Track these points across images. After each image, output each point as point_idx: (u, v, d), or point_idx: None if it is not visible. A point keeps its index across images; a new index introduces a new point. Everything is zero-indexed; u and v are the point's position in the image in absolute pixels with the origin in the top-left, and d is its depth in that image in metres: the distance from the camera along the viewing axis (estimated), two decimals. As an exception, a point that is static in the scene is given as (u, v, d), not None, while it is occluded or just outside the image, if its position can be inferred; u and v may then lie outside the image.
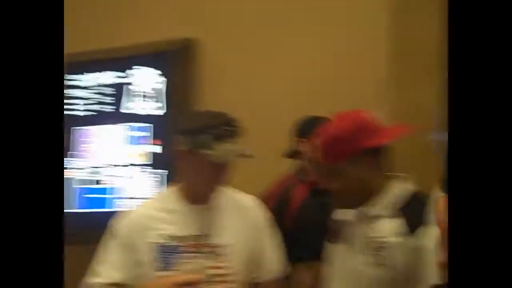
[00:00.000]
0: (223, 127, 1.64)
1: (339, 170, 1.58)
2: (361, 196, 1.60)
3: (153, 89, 3.00)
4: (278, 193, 2.25)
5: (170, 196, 1.75)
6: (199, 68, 2.94)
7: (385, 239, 1.54)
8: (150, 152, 2.96)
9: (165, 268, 1.65)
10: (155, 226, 1.69)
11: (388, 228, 1.54)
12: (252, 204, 1.80)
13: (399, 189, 1.60)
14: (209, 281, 1.64)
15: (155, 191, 2.84)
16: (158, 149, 2.94)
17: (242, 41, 2.83)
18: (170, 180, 2.75)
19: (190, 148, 1.64)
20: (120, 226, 1.72)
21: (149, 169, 2.94)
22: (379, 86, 2.48)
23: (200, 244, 1.68)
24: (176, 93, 2.95)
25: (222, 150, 1.62)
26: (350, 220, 1.63)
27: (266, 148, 2.22)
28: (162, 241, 1.67)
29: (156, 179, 2.93)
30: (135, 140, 2.99)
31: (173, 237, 1.67)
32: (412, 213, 1.53)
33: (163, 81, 2.98)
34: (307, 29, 2.72)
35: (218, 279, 1.66)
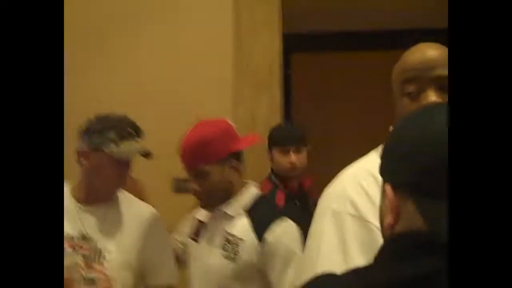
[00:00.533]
0: (126, 127, 1.68)
1: (205, 172, 1.68)
2: (223, 196, 1.72)
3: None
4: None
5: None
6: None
7: (237, 235, 1.68)
8: None
9: None
10: None
11: (241, 226, 1.69)
12: (147, 212, 1.80)
13: (249, 192, 1.75)
14: (84, 282, 1.65)
15: None
16: None
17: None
18: None
19: (93, 147, 1.66)
20: None
21: None
22: (224, 94, 2.64)
23: (80, 245, 1.68)
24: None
25: (125, 147, 1.66)
26: (209, 219, 1.77)
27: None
28: None
29: None
30: None
31: None
32: (260, 212, 1.71)
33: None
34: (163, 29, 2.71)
35: (93, 282, 1.66)
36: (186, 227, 1.92)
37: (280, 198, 2.29)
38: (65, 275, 1.57)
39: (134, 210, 1.79)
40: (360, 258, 1.09)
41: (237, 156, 1.74)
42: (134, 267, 1.72)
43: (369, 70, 3.43)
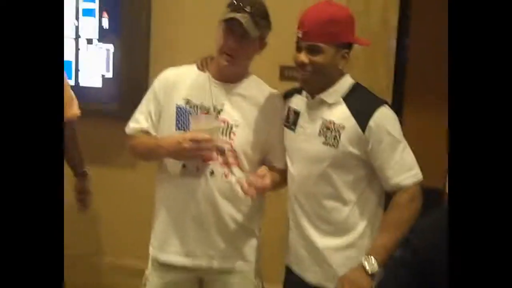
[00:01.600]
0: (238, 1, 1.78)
1: (322, 49, 1.70)
2: (326, 82, 1.76)
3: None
4: None
5: (203, 68, 1.92)
6: None
7: (337, 122, 1.73)
8: (97, 26, 2.98)
9: (180, 128, 1.85)
10: (180, 90, 1.88)
11: (340, 113, 1.74)
12: (276, 98, 1.93)
13: (346, 81, 1.80)
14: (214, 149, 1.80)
15: (102, 64, 2.97)
16: (105, 22, 2.97)
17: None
18: (116, 55, 2.94)
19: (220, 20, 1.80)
20: (156, 81, 1.95)
21: (97, 43, 3.00)
22: None
23: (212, 115, 1.85)
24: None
25: (225, 14, 1.78)
26: (305, 106, 1.82)
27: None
28: (181, 103, 1.86)
29: (102, 53, 2.99)
30: (84, 13, 3.00)
31: (191, 103, 1.86)
32: (358, 99, 1.76)
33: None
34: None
35: (223, 152, 1.83)
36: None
37: None
38: (200, 135, 1.74)
39: (264, 94, 1.92)
40: None
41: (350, 48, 1.76)
42: (258, 145, 1.88)
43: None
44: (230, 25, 1.78)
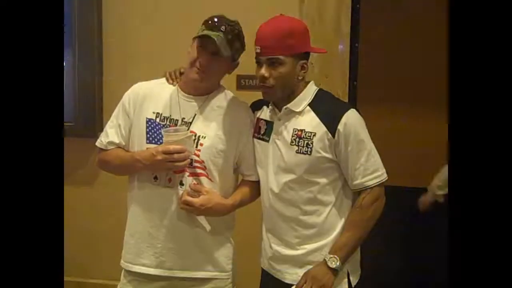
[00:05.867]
0: (212, 18, 1.84)
1: (281, 61, 1.75)
2: (288, 92, 1.81)
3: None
4: None
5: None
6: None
7: (308, 130, 1.78)
8: None
9: (151, 141, 1.88)
10: (150, 103, 1.91)
11: (309, 120, 1.80)
12: (244, 110, 1.96)
13: (311, 88, 1.85)
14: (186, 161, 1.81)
15: None
16: None
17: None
18: (68, 71, 2.91)
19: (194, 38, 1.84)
20: (125, 96, 1.96)
21: None
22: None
23: (183, 127, 1.86)
24: None
25: (200, 30, 1.83)
26: (275, 117, 1.85)
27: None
28: (151, 117, 1.89)
29: None
30: None
31: (160, 116, 1.89)
32: (325, 105, 1.82)
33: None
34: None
35: (191, 164, 1.84)
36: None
37: None
38: (175, 147, 1.77)
39: (232, 106, 1.94)
40: None
41: (307, 57, 1.82)
42: (227, 155, 1.89)
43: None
44: (204, 42, 1.82)
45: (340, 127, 1.75)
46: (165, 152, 1.78)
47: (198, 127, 1.88)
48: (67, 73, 2.96)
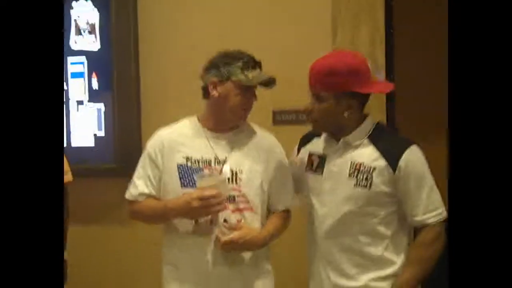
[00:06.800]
0: (250, 58, 1.87)
1: (321, 97, 1.78)
2: (334, 127, 1.82)
3: (88, 23, 3.02)
4: None
5: (193, 123, 1.96)
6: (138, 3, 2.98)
7: (367, 163, 1.78)
8: (87, 87, 3.02)
9: (186, 185, 1.86)
10: (178, 149, 1.90)
11: (368, 154, 1.79)
12: (271, 140, 1.99)
13: (368, 121, 1.84)
14: (227, 199, 1.81)
15: (93, 125, 2.99)
16: (95, 83, 3.01)
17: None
18: (107, 113, 2.96)
19: (223, 78, 1.84)
20: (149, 146, 1.96)
21: (87, 103, 3.03)
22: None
23: (217, 168, 1.87)
24: (114, 29, 2.97)
25: (251, 75, 1.84)
26: (329, 149, 1.86)
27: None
28: (182, 162, 1.88)
29: (93, 113, 3.02)
30: (72, 75, 3.04)
31: (191, 160, 1.88)
32: (385, 140, 1.81)
33: (98, 15, 3.00)
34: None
35: (233, 199, 1.85)
36: (295, 161, 2.00)
37: None
38: (210, 191, 1.76)
39: (259, 138, 1.97)
40: None
41: (360, 96, 1.81)
42: (262, 184, 1.91)
43: None
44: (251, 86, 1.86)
45: (402, 163, 1.75)
46: (200, 198, 1.77)
47: (233, 163, 1.88)
48: (106, 116, 3.02)
